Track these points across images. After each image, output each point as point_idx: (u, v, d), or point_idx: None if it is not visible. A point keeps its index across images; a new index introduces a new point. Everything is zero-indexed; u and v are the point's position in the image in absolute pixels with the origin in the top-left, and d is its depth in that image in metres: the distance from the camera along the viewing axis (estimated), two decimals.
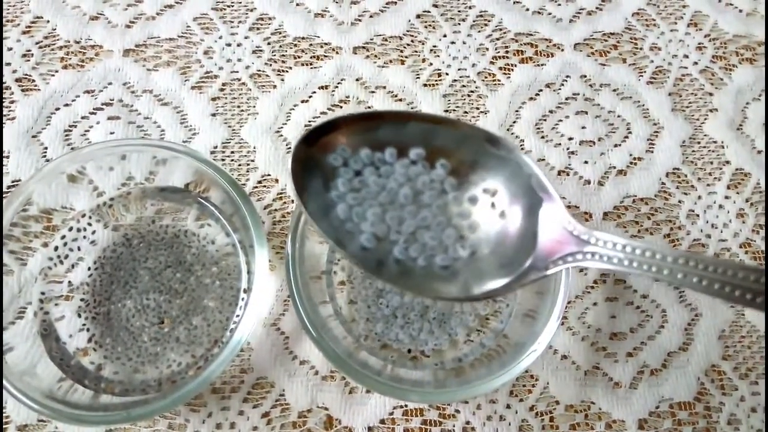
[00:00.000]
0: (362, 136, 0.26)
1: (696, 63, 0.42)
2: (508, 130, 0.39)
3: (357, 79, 0.40)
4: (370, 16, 0.41)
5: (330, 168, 0.26)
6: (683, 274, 0.21)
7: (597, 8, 0.43)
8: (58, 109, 0.38)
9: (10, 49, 0.39)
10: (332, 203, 0.26)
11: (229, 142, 0.38)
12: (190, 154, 0.32)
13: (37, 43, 0.39)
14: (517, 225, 0.26)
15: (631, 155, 0.39)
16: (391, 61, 0.40)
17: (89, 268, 0.33)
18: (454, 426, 0.33)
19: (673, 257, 0.22)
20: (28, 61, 0.39)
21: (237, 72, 0.39)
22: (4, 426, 0.32)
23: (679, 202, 0.38)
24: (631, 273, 0.23)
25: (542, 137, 0.39)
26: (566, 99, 0.40)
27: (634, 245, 0.23)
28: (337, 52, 0.40)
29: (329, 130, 0.26)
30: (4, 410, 0.32)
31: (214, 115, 0.38)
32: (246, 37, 0.40)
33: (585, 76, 0.41)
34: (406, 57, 0.41)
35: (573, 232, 0.25)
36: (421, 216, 0.26)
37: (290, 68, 0.40)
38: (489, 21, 0.42)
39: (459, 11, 0.42)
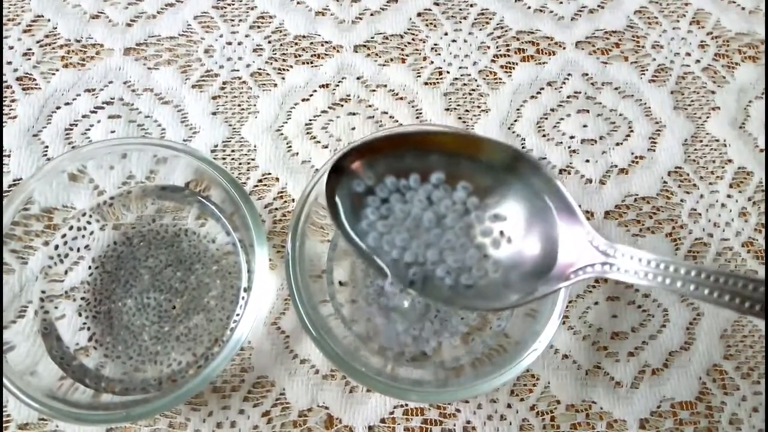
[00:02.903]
0: (387, 161, 0.27)
1: (698, 61, 0.41)
2: (509, 128, 0.39)
3: (358, 78, 0.40)
4: (371, 15, 0.41)
5: (357, 195, 0.27)
6: (695, 286, 0.22)
7: (599, 6, 0.43)
8: (58, 107, 0.38)
9: (11, 47, 0.39)
10: (364, 231, 0.27)
11: (230, 141, 0.38)
12: (191, 153, 0.32)
13: (37, 42, 0.39)
14: (539, 239, 0.27)
15: (632, 154, 0.39)
16: (392, 60, 0.40)
17: (90, 267, 0.33)
18: (454, 425, 0.33)
19: (686, 269, 0.22)
20: (29, 59, 0.39)
21: (237, 70, 0.39)
22: (4, 425, 0.32)
23: (681, 200, 0.38)
24: (650, 286, 0.24)
25: (544, 136, 0.39)
26: (568, 97, 0.40)
27: (653, 259, 0.23)
28: (337, 51, 0.40)
29: (356, 157, 0.27)
30: (4, 409, 0.32)
31: (214, 113, 0.38)
32: (247, 36, 0.40)
33: (587, 75, 0.41)
34: (407, 55, 0.41)
35: (593, 243, 0.25)
36: (446, 239, 0.27)
37: (291, 67, 0.40)
38: (490, 19, 0.42)
39: (460, 9, 0.42)
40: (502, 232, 0.27)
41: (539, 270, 0.26)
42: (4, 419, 0.32)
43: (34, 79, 0.38)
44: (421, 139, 0.28)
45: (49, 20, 0.40)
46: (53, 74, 0.39)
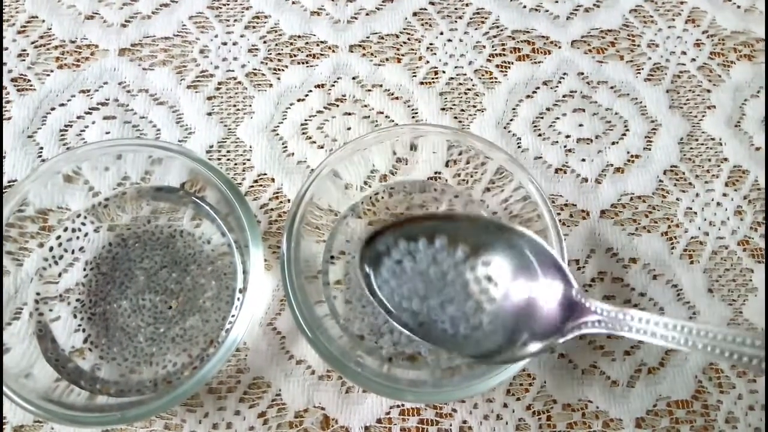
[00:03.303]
0: (401, 230, 0.32)
1: (694, 60, 0.41)
2: (505, 128, 0.39)
3: (353, 78, 0.40)
4: (366, 14, 0.41)
5: (375, 256, 0.32)
6: (685, 340, 0.24)
7: (594, 5, 0.43)
8: (53, 108, 0.38)
9: (5, 48, 0.39)
10: (380, 286, 0.31)
11: (225, 142, 0.38)
12: (185, 154, 0.32)
13: (32, 43, 0.39)
14: (527, 297, 0.29)
15: (628, 153, 0.39)
16: (387, 60, 0.40)
17: (84, 269, 0.33)
18: (450, 425, 0.33)
19: (672, 325, 0.25)
20: (24, 60, 0.39)
21: (233, 71, 0.39)
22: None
23: (677, 199, 0.38)
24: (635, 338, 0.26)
25: (539, 135, 0.39)
26: (563, 96, 0.40)
27: (636, 315, 0.26)
28: (333, 51, 0.40)
29: (381, 233, 0.32)
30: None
31: (209, 114, 0.38)
32: (242, 36, 0.40)
33: (582, 74, 0.41)
34: (402, 55, 0.41)
35: (576, 299, 0.28)
36: (446, 292, 0.31)
37: (286, 67, 0.40)
38: (486, 18, 0.42)
39: (456, 9, 0.42)
40: (493, 287, 0.31)
41: (530, 327, 0.29)
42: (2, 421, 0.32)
43: (29, 80, 0.38)
44: (429, 219, 0.33)
45: (43, 21, 0.40)
46: (48, 75, 0.39)
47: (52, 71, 0.39)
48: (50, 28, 0.40)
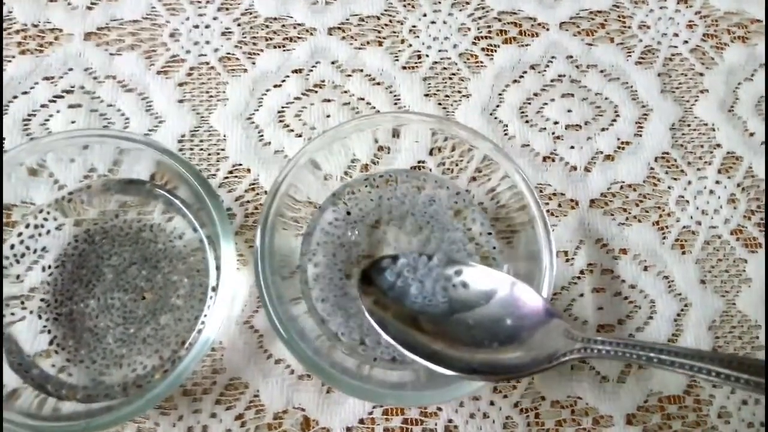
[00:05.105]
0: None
1: (686, 42, 0.40)
2: (491, 114, 0.37)
3: (333, 62, 0.38)
4: None
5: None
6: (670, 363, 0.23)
7: None
8: (15, 97, 0.36)
9: None
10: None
11: (198, 130, 0.36)
12: (152, 146, 0.30)
13: None
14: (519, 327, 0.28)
15: (618, 139, 0.37)
16: (368, 43, 0.39)
17: (49, 267, 0.32)
18: (436, 425, 0.32)
19: (649, 347, 0.24)
20: None
21: (205, 55, 0.37)
22: None
23: (669, 187, 0.37)
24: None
25: (527, 122, 0.37)
26: (551, 81, 0.39)
27: (616, 340, 0.25)
28: (311, 34, 0.38)
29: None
30: None
31: (181, 101, 0.36)
32: (214, 18, 0.38)
33: (571, 57, 0.39)
34: (384, 38, 0.39)
35: (570, 336, 0.26)
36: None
37: (261, 51, 0.38)
38: None
39: None
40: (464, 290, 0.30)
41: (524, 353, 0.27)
42: None
43: None
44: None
45: (4, 3, 0.38)
46: (9, 61, 0.37)
47: (13, 57, 0.37)
48: (11, 12, 0.38)
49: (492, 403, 0.32)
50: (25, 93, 0.36)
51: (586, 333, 0.26)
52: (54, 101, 0.36)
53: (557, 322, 0.27)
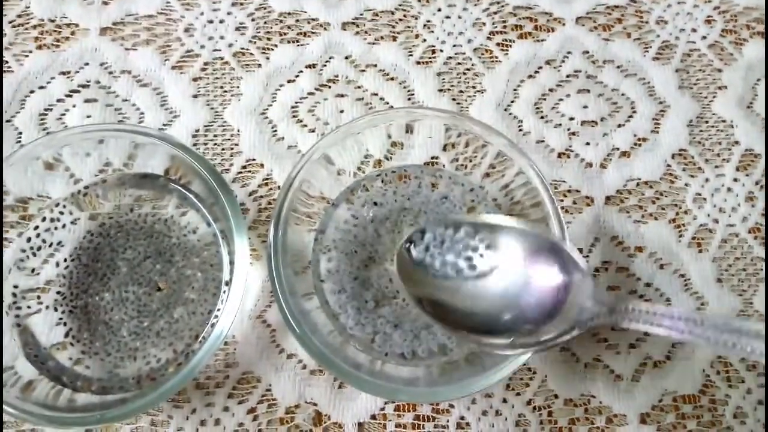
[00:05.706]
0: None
1: (704, 37, 0.39)
2: (505, 110, 0.37)
3: (346, 57, 0.38)
4: None
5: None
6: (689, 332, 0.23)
7: None
8: (32, 91, 0.36)
9: None
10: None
11: (212, 125, 0.36)
12: (167, 140, 0.30)
13: (10, 23, 0.37)
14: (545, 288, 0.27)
15: (635, 136, 0.37)
16: (382, 38, 0.38)
17: (65, 260, 0.32)
18: (447, 421, 0.32)
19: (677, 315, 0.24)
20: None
21: (219, 50, 0.37)
22: None
23: (686, 185, 0.36)
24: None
25: (542, 117, 0.37)
26: (567, 77, 0.38)
27: (650, 309, 0.24)
28: (325, 29, 0.38)
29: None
30: None
31: (195, 96, 0.36)
32: (229, 13, 0.38)
33: (587, 52, 0.39)
34: (398, 33, 0.39)
35: (598, 299, 0.26)
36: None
37: (275, 46, 0.38)
38: None
39: None
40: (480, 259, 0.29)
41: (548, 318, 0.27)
42: None
43: (7, 62, 0.37)
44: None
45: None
46: (26, 56, 0.37)
47: (30, 52, 0.37)
48: (28, 7, 0.38)
49: (504, 401, 0.32)
50: (41, 87, 0.36)
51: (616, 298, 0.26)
52: (70, 96, 0.36)
53: (588, 283, 0.26)
